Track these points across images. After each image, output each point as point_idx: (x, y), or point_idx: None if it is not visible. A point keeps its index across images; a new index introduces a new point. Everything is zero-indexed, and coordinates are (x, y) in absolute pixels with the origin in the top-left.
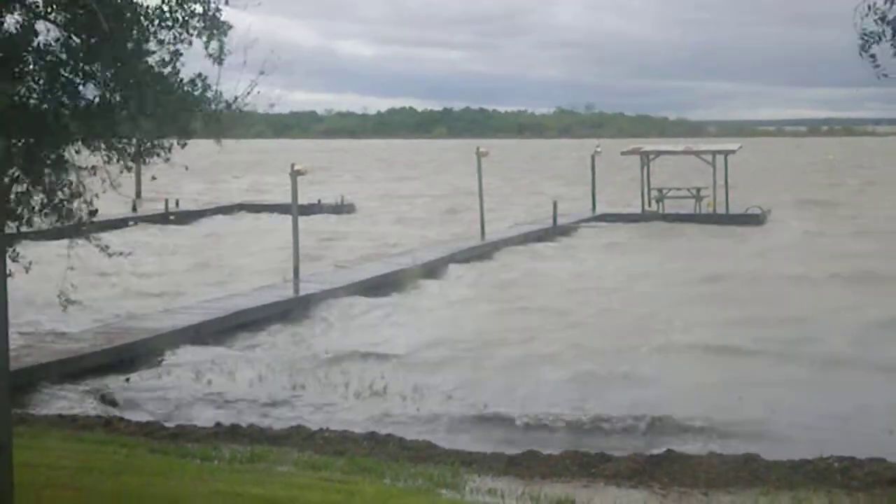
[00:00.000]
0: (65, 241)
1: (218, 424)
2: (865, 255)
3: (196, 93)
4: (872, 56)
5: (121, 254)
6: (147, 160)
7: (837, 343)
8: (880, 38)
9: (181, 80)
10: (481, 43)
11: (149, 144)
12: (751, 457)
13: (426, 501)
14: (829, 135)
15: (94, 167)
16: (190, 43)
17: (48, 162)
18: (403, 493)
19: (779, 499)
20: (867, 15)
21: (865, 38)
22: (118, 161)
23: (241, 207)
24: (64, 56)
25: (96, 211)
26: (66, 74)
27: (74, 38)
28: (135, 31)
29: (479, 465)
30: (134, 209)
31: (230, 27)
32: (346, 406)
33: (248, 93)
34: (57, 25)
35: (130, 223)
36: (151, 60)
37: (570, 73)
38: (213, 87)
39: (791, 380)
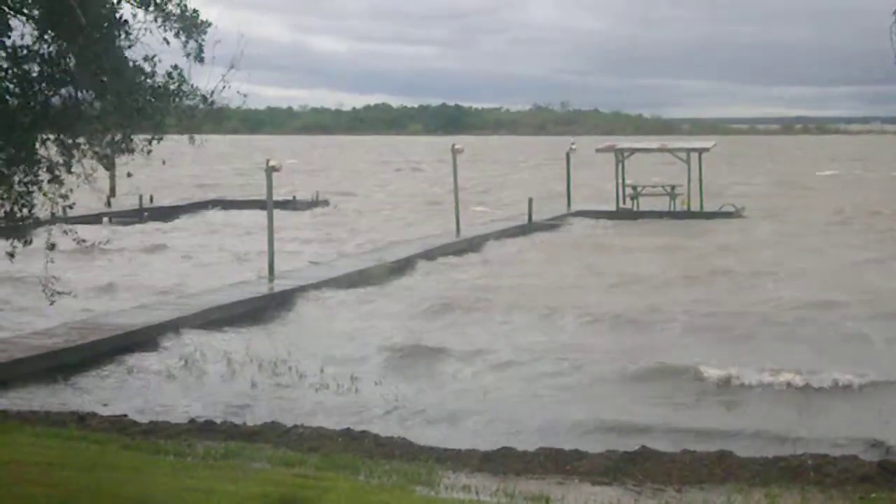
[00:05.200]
0: None
1: (192, 420)
2: None
3: (172, 86)
4: None
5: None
6: (121, 154)
7: None
8: None
9: (154, 74)
10: (456, 39)
11: (121, 140)
12: (724, 454)
13: (401, 498)
14: (801, 133)
15: (68, 163)
16: (167, 42)
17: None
18: (378, 489)
19: (752, 495)
20: None
21: None
22: (93, 157)
23: (216, 203)
24: (36, 64)
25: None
26: (38, 80)
27: (49, 33)
28: (111, 25)
29: (454, 461)
30: (108, 205)
31: (209, 25)
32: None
33: (224, 87)
34: (33, 20)
35: (104, 219)
36: (128, 54)
37: (545, 70)
38: (189, 82)
39: None
